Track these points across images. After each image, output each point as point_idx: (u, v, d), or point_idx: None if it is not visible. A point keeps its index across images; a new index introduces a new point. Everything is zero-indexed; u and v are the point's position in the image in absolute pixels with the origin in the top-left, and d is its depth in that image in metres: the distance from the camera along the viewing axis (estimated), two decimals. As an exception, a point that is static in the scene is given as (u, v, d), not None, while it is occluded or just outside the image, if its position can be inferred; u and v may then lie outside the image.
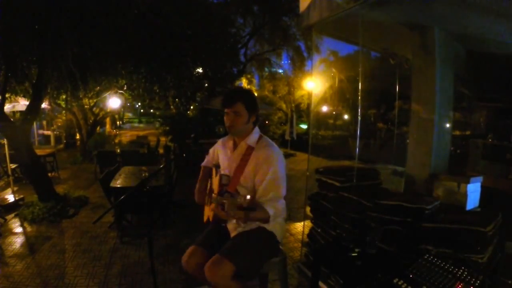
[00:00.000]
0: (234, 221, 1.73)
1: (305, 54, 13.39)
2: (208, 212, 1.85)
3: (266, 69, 14.95)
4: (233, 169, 1.72)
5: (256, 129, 1.77)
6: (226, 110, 1.69)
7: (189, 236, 3.55)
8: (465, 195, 2.23)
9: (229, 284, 1.50)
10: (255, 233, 1.68)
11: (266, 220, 1.58)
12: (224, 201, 1.42)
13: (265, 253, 1.72)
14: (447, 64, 2.62)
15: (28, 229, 3.80)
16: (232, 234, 1.75)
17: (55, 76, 4.69)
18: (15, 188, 4.89)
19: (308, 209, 3.03)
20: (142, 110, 31.71)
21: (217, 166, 1.90)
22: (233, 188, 1.66)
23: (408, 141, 2.87)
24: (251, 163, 1.68)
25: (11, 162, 4.90)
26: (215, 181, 1.78)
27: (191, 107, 11.51)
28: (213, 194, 1.65)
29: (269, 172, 1.60)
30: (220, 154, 1.91)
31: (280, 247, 1.83)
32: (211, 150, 2.03)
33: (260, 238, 1.67)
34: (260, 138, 1.76)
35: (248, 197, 1.38)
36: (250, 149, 1.70)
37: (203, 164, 2.04)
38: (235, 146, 1.80)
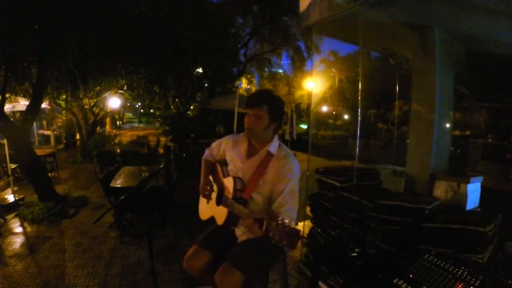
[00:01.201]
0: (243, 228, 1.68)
1: (305, 54, 13.45)
2: (211, 211, 1.77)
3: (266, 69, 14.97)
4: (248, 175, 1.67)
5: (276, 137, 1.73)
6: (247, 110, 1.64)
7: (189, 236, 3.55)
8: (465, 195, 2.23)
9: None
10: (264, 240, 1.60)
11: None
12: (267, 223, 1.31)
13: (273, 259, 1.75)
14: (447, 64, 2.61)
15: (28, 229, 3.79)
16: (240, 239, 1.73)
17: (55, 76, 4.69)
18: (15, 188, 4.89)
19: (308, 209, 3.03)
20: (142, 110, 31.66)
21: (223, 163, 1.84)
22: (248, 194, 1.63)
23: (408, 141, 2.86)
24: (271, 170, 1.64)
25: (11, 162, 4.89)
26: (227, 183, 1.71)
27: (191, 107, 11.51)
28: (228, 201, 1.59)
29: (289, 184, 1.60)
30: (229, 152, 1.82)
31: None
32: (215, 144, 1.93)
33: (268, 245, 1.62)
34: (279, 146, 1.72)
35: (293, 223, 1.31)
36: (269, 156, 1.66)
37: (204, 157, 1.92)
38: (250, 150, 1.74)
